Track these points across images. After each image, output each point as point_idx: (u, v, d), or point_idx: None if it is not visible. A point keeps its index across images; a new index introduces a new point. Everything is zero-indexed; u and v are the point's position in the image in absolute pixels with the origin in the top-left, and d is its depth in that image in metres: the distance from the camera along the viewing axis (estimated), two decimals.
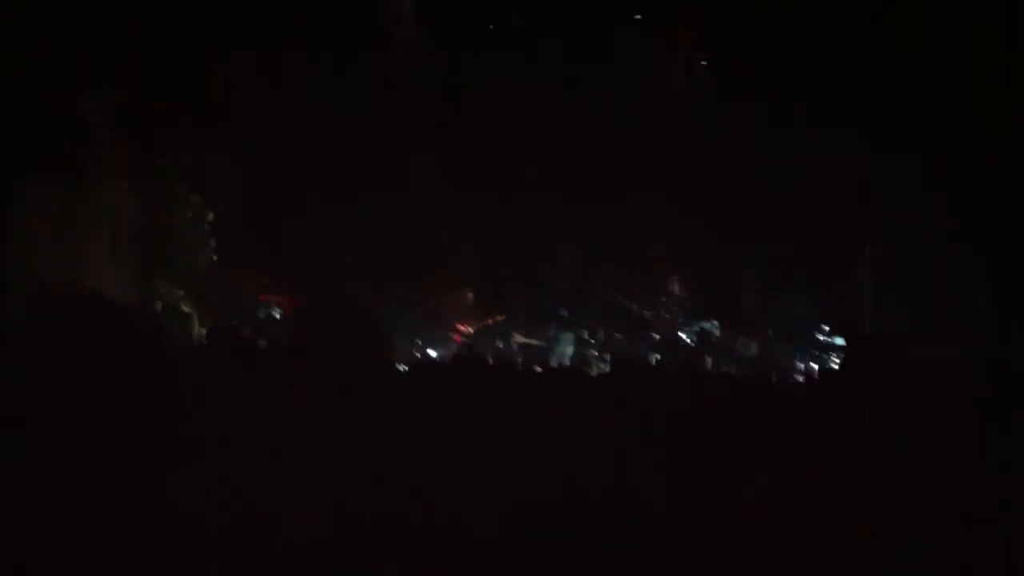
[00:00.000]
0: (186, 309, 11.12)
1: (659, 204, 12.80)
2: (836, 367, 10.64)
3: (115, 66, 9.77)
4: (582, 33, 12.27)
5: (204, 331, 11.01)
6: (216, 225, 11.11)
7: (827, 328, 11.41)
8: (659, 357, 11.75)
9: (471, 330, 11.76)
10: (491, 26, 12.63)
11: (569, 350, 11.67)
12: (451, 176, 12.57)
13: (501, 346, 12.12)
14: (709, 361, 11.34)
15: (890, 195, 11.18)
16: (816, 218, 11.62)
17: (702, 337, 11.61)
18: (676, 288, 11.85)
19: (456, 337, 11.72)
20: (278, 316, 11.51)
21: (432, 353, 11.99)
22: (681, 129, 12.98)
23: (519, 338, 12.07)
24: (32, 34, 8.98)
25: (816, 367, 11.26)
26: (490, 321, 11.83)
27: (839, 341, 11.38)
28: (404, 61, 12.69)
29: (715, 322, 11.68)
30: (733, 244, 12.05)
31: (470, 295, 11.83)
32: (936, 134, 10.59)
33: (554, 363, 11.34)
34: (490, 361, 11.68)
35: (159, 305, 10.78)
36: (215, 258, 11.10)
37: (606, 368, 11.87)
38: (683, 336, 11.71)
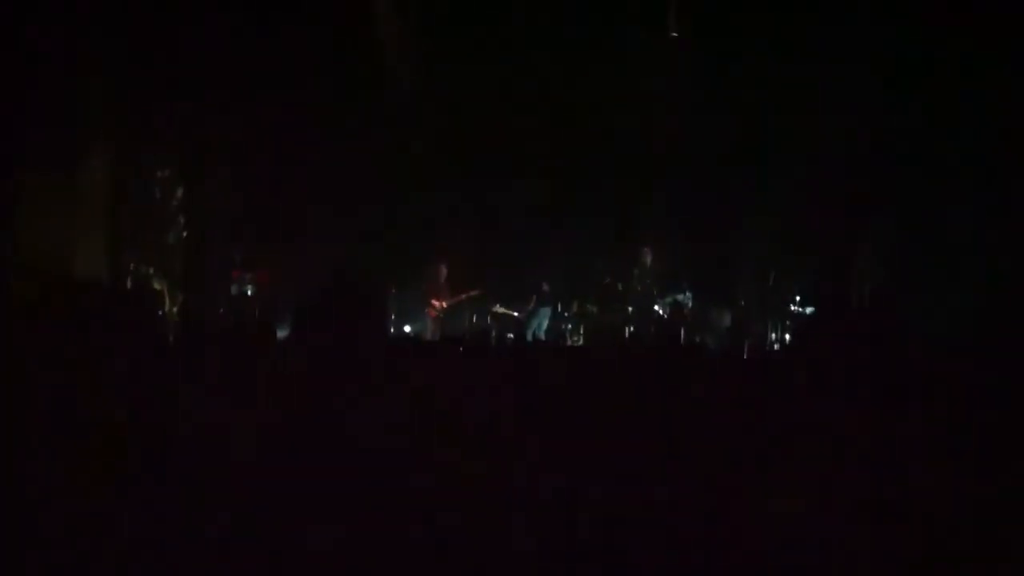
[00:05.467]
0: (157, 286, 11.03)
1: (637, 180, 12.83)
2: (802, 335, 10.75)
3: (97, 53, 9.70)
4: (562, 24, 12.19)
5: (175, 309, 10.95)
6: (187, 200, 11.03)
7: (798, 298, 11.49)
8: (633, 329, 11.86)
9: (445, 304, 11.77)
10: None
11: (546, 323, 11.74)
12: (430, 155, 12.51)
13: (476, 319, 12.17)
14: (683, 332, 11.45)
15: (871, 174, 11.19)
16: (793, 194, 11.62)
17: (675, 308, 11.69)
18: (649, 260, 11.90)
19: (431, 312, 11.74)
20: (250, 293, 11.46)
21: (407, 328, 12.03)
22: (658, 110, 12.97)
23: (498, 308, 12.10)
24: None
25: (788, 336, 11.39)
26: (464, 296, 11.85)
27: (809, 311, 11.50)
28: (388, 51, 12.57)
29: (688, 293, 11.74)
30: (710, 218, 12.03)
31: (444, 270, 11.82)
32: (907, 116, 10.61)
33: (529, 336, 11.42)
34: (464, 335, 11.81)
35: (128, 283, 10.69)
36: (185, 234, 11.02)
37: (580, 340, 11.98)
38: (657, 308, 11.79)
